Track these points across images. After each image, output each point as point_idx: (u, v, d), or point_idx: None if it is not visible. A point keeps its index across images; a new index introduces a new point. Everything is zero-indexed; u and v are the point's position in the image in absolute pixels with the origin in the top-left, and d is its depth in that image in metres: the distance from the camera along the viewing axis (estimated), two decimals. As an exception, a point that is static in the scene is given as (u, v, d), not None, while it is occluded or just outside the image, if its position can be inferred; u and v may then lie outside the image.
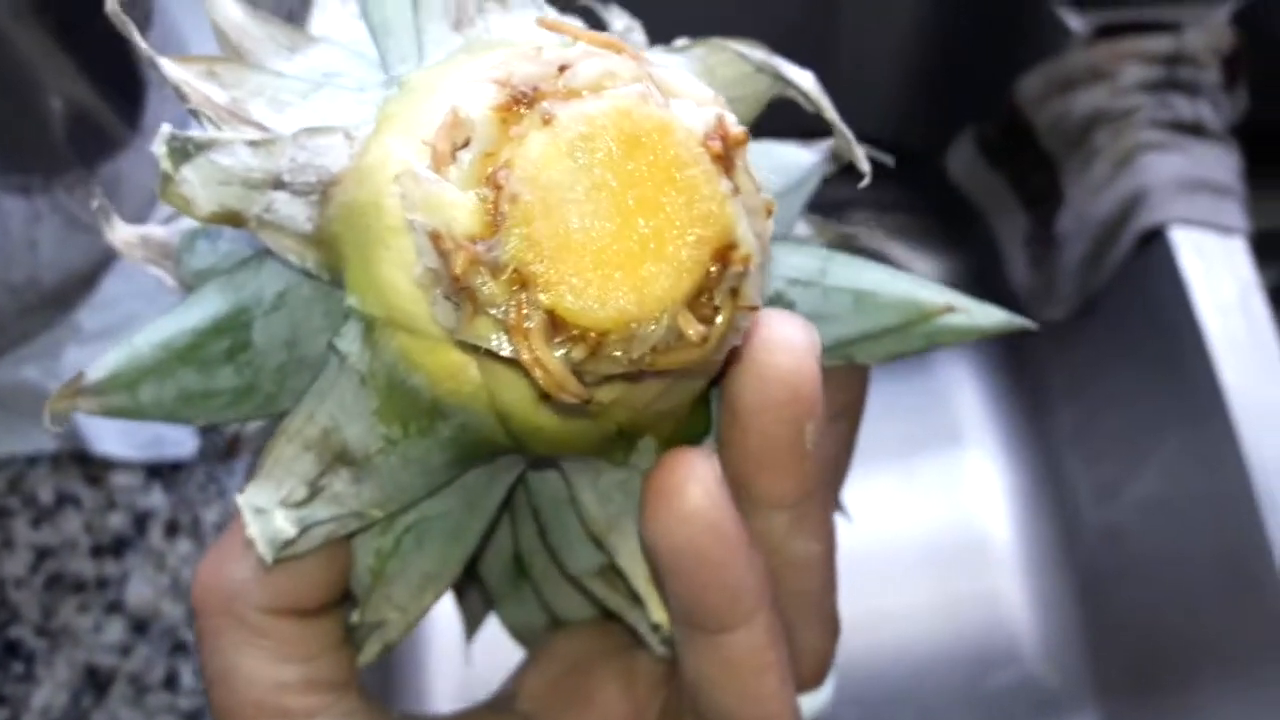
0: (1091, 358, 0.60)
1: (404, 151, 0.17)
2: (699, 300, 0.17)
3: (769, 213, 0.17)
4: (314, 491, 0.19)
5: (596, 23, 0.24)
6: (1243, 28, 0.57)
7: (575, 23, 0.18)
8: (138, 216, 0.51)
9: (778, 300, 0.21)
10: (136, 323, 0.52)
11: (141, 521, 0.47)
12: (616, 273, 0.16)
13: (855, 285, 0.21)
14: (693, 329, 0.16)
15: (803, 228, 0.25)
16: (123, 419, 0.21)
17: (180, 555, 0.46)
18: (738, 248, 0.17)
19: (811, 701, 0.48)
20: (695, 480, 0.18)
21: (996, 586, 0.63)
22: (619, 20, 0.24)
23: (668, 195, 0.16)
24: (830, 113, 0.19)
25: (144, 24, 0.50)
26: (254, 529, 0.19)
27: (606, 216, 0.16)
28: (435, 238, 0.16)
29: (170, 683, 0.44)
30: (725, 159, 0.17)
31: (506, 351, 0.16)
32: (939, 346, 0.21)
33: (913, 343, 0.21)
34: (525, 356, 0.16)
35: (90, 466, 0.47)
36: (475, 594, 0.27)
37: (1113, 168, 0.56)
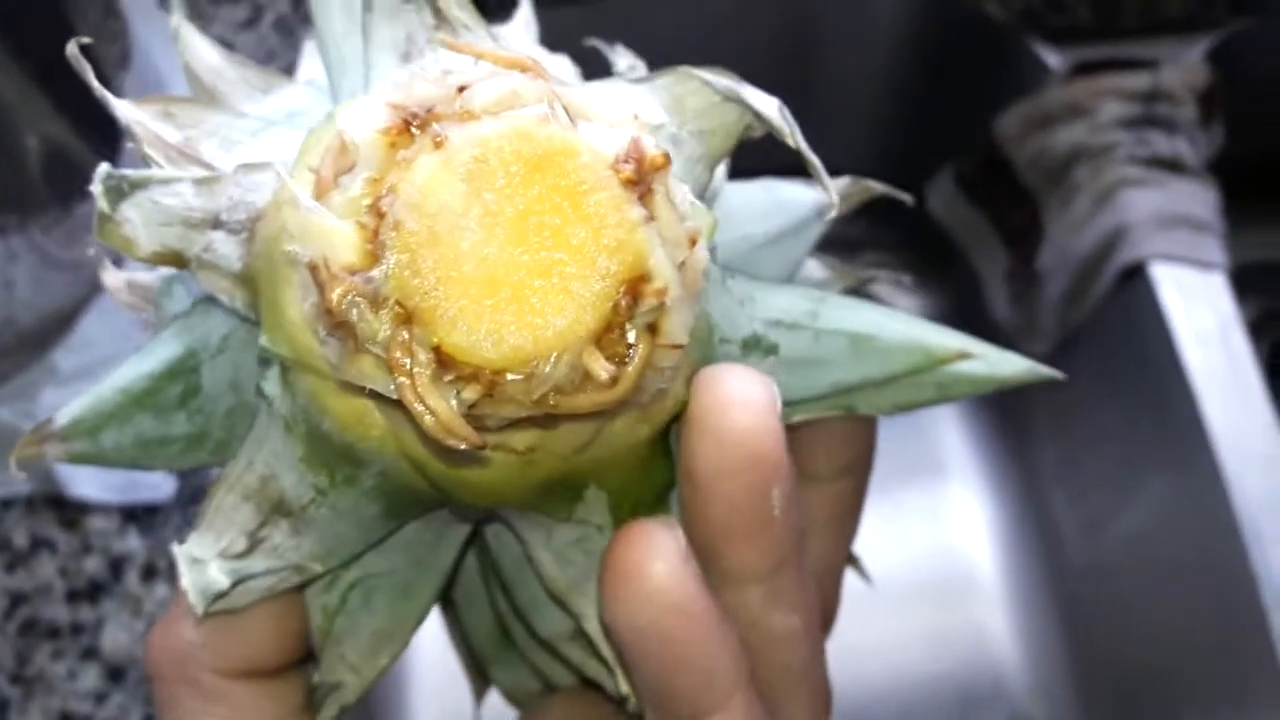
0: (1074, 393, 0.60)
1: (299, 179, 0.16)
2: (610, 337, 0.15)
3: (693, 243, 0.16)
4: (253, 543, 0.19)
5: (602, 64, 0.24)
6: (1218, 65, 0.58)
7: (491, 43, 0.18)
8: (115, 257, 0.51)
9: (756, 344, 0.19)
10: (113, 364, 0.52)
11: (117, 566, 0.46)
12: (512, 306, 0.15)
13: (852, 328, 0.19)
14: (601, 368, 0.15)
15: (817, 269, 0.24)
16: (87, 465, 0.20)
17: (157, 600, 0.45)
18: (651, 280, 0.15)
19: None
20: (657, 556, 0.17)
21: (982, 622, 0.63)
22: (623, 59, 0.24)
23: (571, 223, 0.15)
24: (797, 141, 0.18)
25: (122, 63, 0.50)
26: (187, 579, 0.18)
27: (501, 245, 0.15)
28: (313, 269, 0.15)
29: (146, 731, 0.44)
30: (639, 184, 0.15)
31: (392, 393, 0.15)
32: (955, 398, 0.20)
33: (923, 392, 0.20)
34: (408, 398, 0.15)
35: (65, 510, 0.47)
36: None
37: (1092, 204, 0.56)
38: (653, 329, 0.16)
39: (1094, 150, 0.57)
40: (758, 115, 0.18)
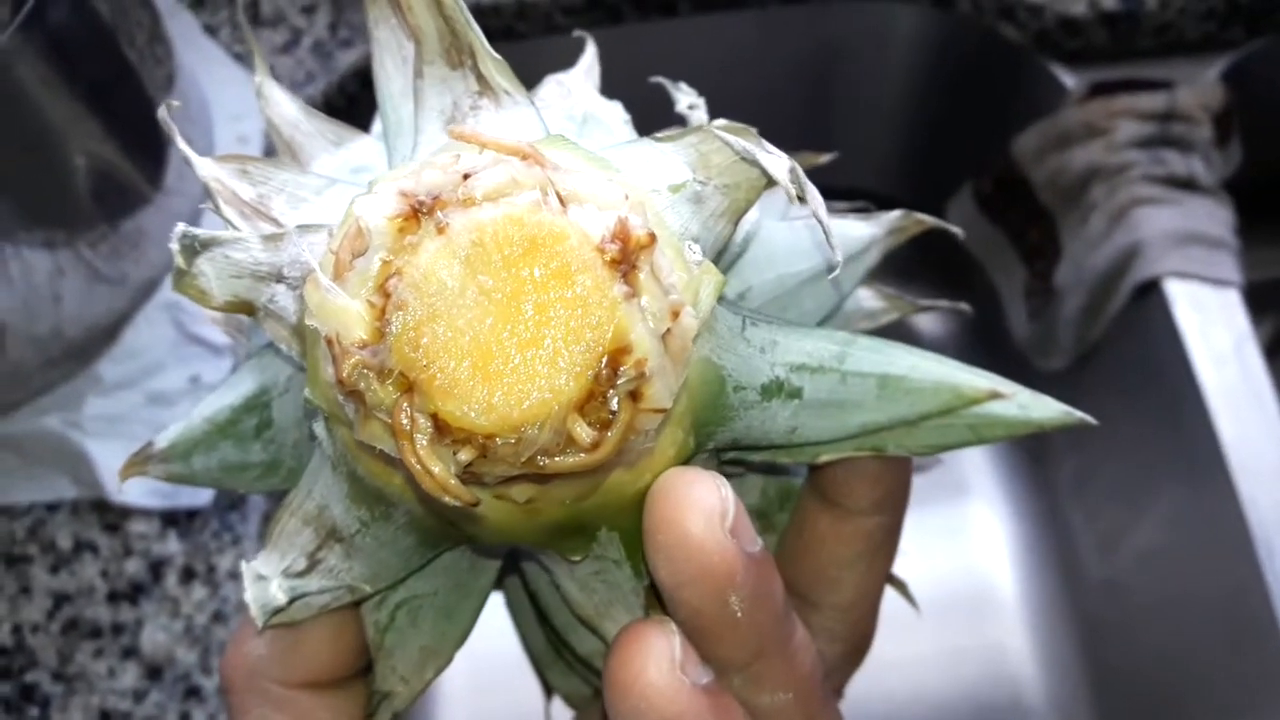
0: (1090, 409, 0.60)
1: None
2: (593, 404, 0.17)
3: (675, 315, 0.17)
4: (312, 564, 0.20)
5: (664, 101, 0.25)
6: (1233, 85, 0.58)
7: (498, 134, 0.18)
8: (158, 272, 0.52)
9: (778, 389, 0.20)
10: (155, 374, 0.53)
11: (157, 568, 0.48)
12: (502, 377, 0.16)
13: (881, 370, 0.19)
14: (583, 433, 0.16)
15: (870, 300, 0.25)
16: (183, 485, 0.22)
17: (194, 602, 0.47)
18: (631, 351, 0.16)
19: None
20: (651, 664, 0.18)
21: (1000, 637, 0.63)
22: (685, 97, 0.25)
23: (557, 301, 0.16)
24: (809, 198, 0.18)
25: (167, 85, 0.52)
26: (249, 594, 0.20)
27: (495, 321, 0.16)
28: (328, 342, 0.17)
29: (182, 727, 0.45)
30: (624, 263, 0.17)
31: (395, 454, 0.17)
32: (989, 440, 0.20)
33: (955, 434, 0.20)
34: (409, 460, 0.16)
35: (108, 514, 0.48)
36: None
37: (1108, 222, 0.56)
38: (635, 395, 0.17)
39: (1110, 169, 0.57)
40: (769, 176, 0.18)
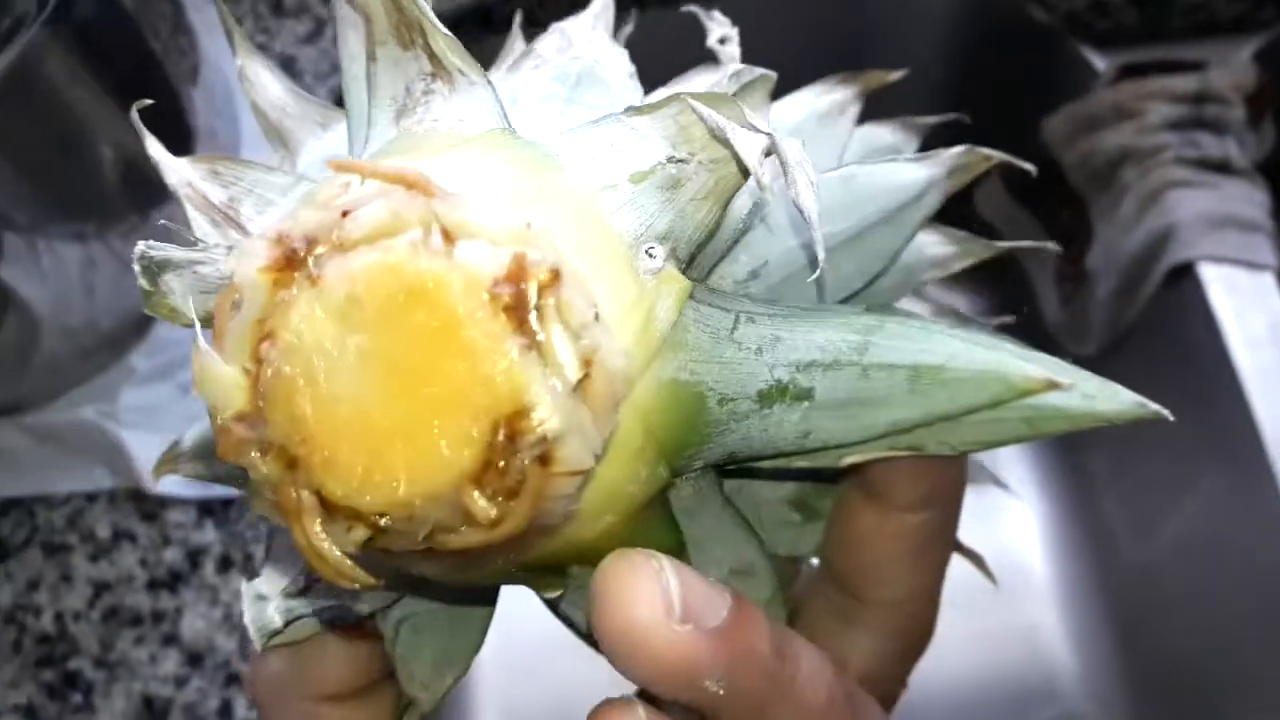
0: (1124, 392, 0.60)
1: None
2: (494, 473, 0.14)
3: (587, 364, 0.15)
4: (309, 584, 0.20)
5: (696, 30, 0.23)
6: (1266, 66, 0.58)
7: (384, 160, 0.16)
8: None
9: (780, 393, 0.17)
10: (186, 366, 0.53)
11: (195, 557, 0.48)
12: (385, 450, 0.14)
13: (912, 360, 0.17)
14: (481, 509, 0.14)
15: (936, 246, 0.22)
16: (209, 483, 0.22)
17: (233, 590, 0.47)
18: (530, 414, 0.14)
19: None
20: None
21: (1035, 623, 0.63)
22: (718, 28, 0.23)
23: (442, 360, 0.14)
24: (794, 178, 0.16)
25: (191, 77, 0.52)
26: (248, 615, 0.20)
27: (375, 387, 0.14)
28: (210, 415, 0.15)
29: (224, 713, 0.45)
30: (519, 309, 0.14)
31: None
32: (1048, 434, 0.17)
33: (1007, 429, 0.17)
34: (299, 541, 0.15)
35: (145, 503, 0.49)
36: None
37: (1141, 205, 0.56)
38: (545, 459, 0.15)
39: (1142, 152, 0.57)
40: (737, 158, 0.16)
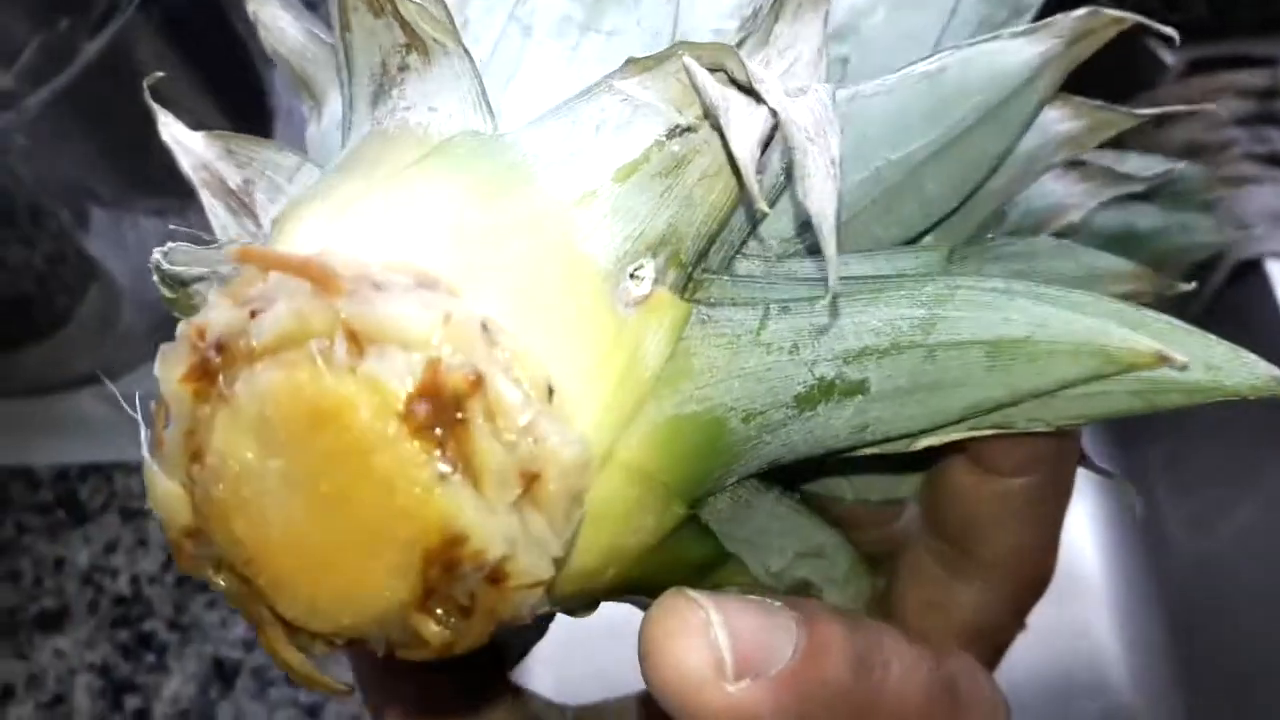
0: (1185, 388, 0.60)
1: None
2: (440, 596, 0.13)
3: (532, 479, 0.13)
4: None
5: None
6: (1340, 62, 0.57)
7: (289, 249, 0.14)
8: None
9: (826, 392, 0.15)
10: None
11: (265, 525, 0.49)
12: (323, 576, 0.13)
13: (989, 334, 0.15)
14: (431, 632, 0.13)
15: (1062, 121, 0.19)
16: None
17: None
18: (465, 541, 0.13)
19: None
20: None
21: (1085, 616, 0.62)
22: None
23: (360, 488, 0.13)
24: (803, 174, 0.13)
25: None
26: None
27: (303, 511, 0.13)
28: (165, 528, 0.14)
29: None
30: (438, 425, 0.13)
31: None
32: (1162, 408, 0.15)
33: (1115, 402, 0.15)
34: (269, 649, 0.14)
35: (218, 472, 0.50)
36: None
37: (1207, 200, 0.56)
38: (495, 577, 0.13)
39: (1211, 147, 0.56)
40: (726, 145, 0.14)
